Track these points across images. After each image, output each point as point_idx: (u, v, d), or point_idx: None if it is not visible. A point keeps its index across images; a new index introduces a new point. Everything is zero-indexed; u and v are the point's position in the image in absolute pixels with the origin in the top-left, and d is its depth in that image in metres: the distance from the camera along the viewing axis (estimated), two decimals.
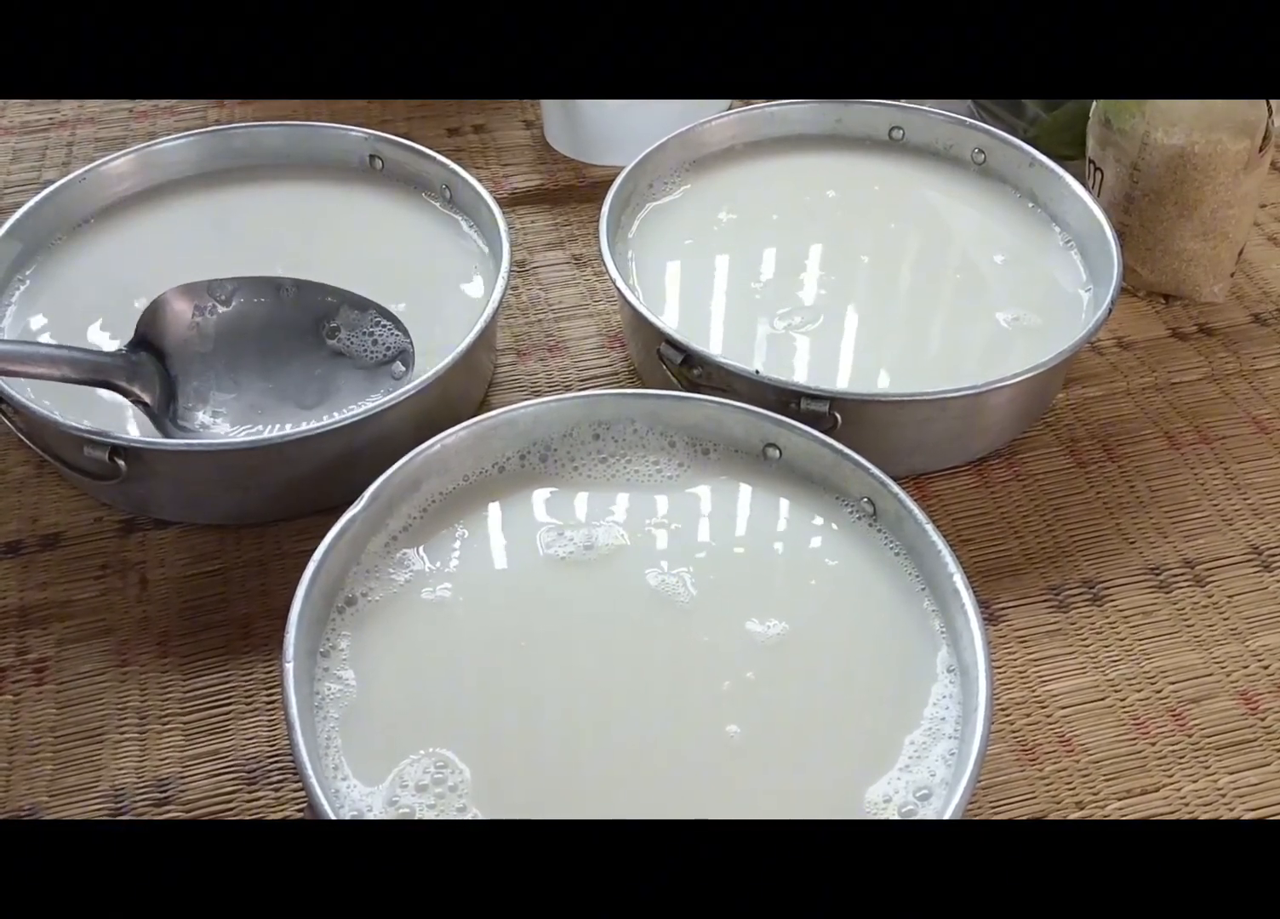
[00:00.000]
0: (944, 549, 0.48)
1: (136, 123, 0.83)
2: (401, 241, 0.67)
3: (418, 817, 0.43)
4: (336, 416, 0.54)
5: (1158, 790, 0.49)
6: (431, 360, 0.59)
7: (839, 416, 0.55)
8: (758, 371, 0.56)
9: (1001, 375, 0.56)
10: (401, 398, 0.55)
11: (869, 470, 0.51)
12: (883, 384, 0.59)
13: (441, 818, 0.43)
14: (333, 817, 0.40)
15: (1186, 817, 0.48)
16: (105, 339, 0.61)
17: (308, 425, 0.55)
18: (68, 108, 0.84)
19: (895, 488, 0.50)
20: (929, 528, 0.49)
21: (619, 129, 0.77)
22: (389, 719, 0.46)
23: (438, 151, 0.69)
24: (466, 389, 0.63)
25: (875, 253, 0.67)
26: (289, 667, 0.44)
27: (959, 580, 0.47)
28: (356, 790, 0.44)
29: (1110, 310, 0.58)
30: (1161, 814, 0.48)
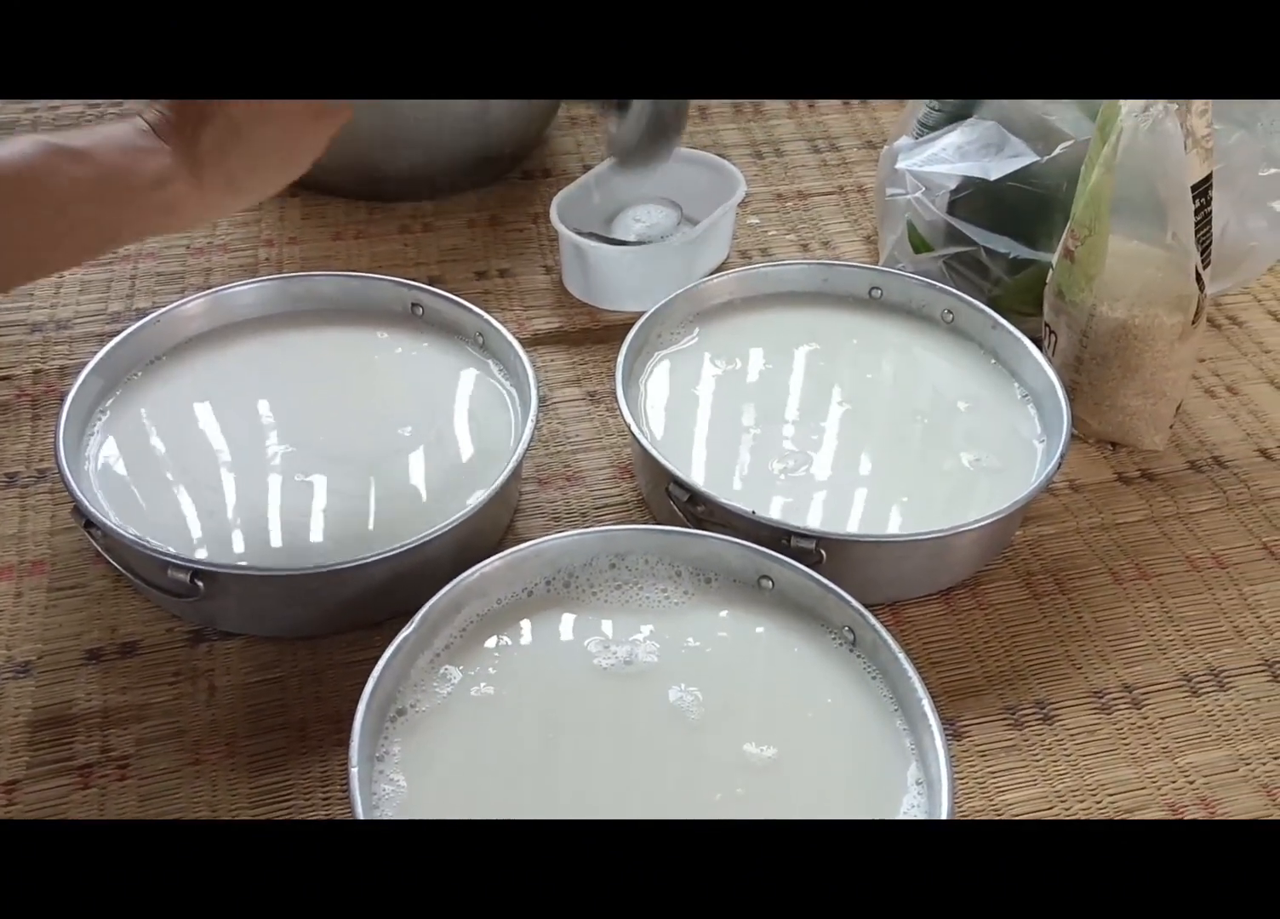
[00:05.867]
0: (913, 675, 0.56)
1: (193, 258, 0.91)
2: (439, 380, 0.76)
3: None
4: (391, 547, 0.62)
5: None
6: (468, 489, 0.67)
7: (824, 553, 0.63)
8: (754, 512, 0.64)
9: (966, 514, 0.65)
10: (446, 530, 0.63)
11: (850, 603, 0.60)
12: (864, 521, 0.68)
13: None
14: None
15: None
16: (187, 464, 0.69)
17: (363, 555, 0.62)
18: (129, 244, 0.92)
19: (873, 620, 0.59)
20: (901, 656, 0.57)
21: (628, 279, 0.87)
22: (435, 814, 0.53)
23: (468, 294, 0.78)
24: (498, 516, 0.71)
25: (856, 399, 0.76)
26: (354, 771, 0.51)
27: (926, 704, 0.55)
28: None
29: (1060, 464, 0.67)
30: None
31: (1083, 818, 0.59)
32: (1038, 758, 0.61)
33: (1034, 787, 0.60)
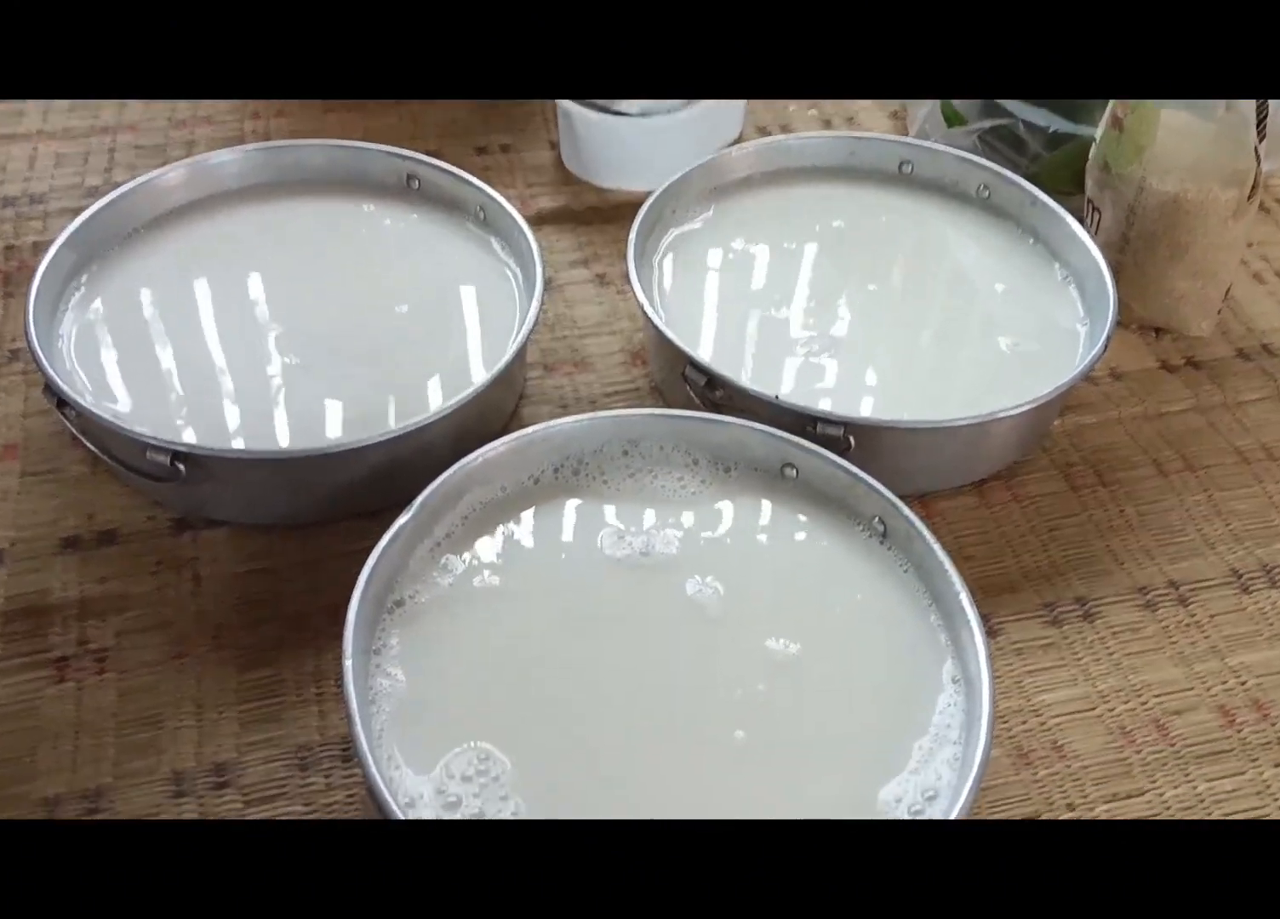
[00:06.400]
0: (950, 568, 0.52)
1: (175, 130, 0.86)
2: (438, 256, 0.71)
3: (464, 805, 0.47)
4: (390, 429, 0.57)
5: (1142, 795, 0.53)
6: (469, 373, 0.63)
7: (853, 440, 0.59)
8: (777, 397, 0.60)
9: (1000, 401, 0.60)
10: (445, 413, 0.58)
11: (881, 492, 0.55)
12: (893, 407, 0.63)
13: (485, 806, 0.47)
14: (391, 802, 0.44)
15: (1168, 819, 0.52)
16: (163, 342, 0.64)
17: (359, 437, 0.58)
18: (108, 114, 0.87)
19: (906, 509, 0.54)
20: (936, 548, 0.53)
21: (627, 153, 0.81)
22: (435, 713, 0.50)
23: (468, 170, 0.73)
24: (501, 402, 0.66)
25: (885, 280, 0.71)
26: (348, 664, 0.48)
27: (964, 598, 0.51)
28: (409, 779, 0.47)
29: (1105, 348, 0.62)
30: (1144, 815, 0.52)
31: (1126, 718, 0.55)
32: (1079, 656, 0.58)
33: (1074, 686, 0.56)
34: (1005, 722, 0.55)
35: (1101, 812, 0.52)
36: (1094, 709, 0.56)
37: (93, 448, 0.60)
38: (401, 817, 0.44)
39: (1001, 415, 0.60)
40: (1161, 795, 0.53)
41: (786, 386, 0.63)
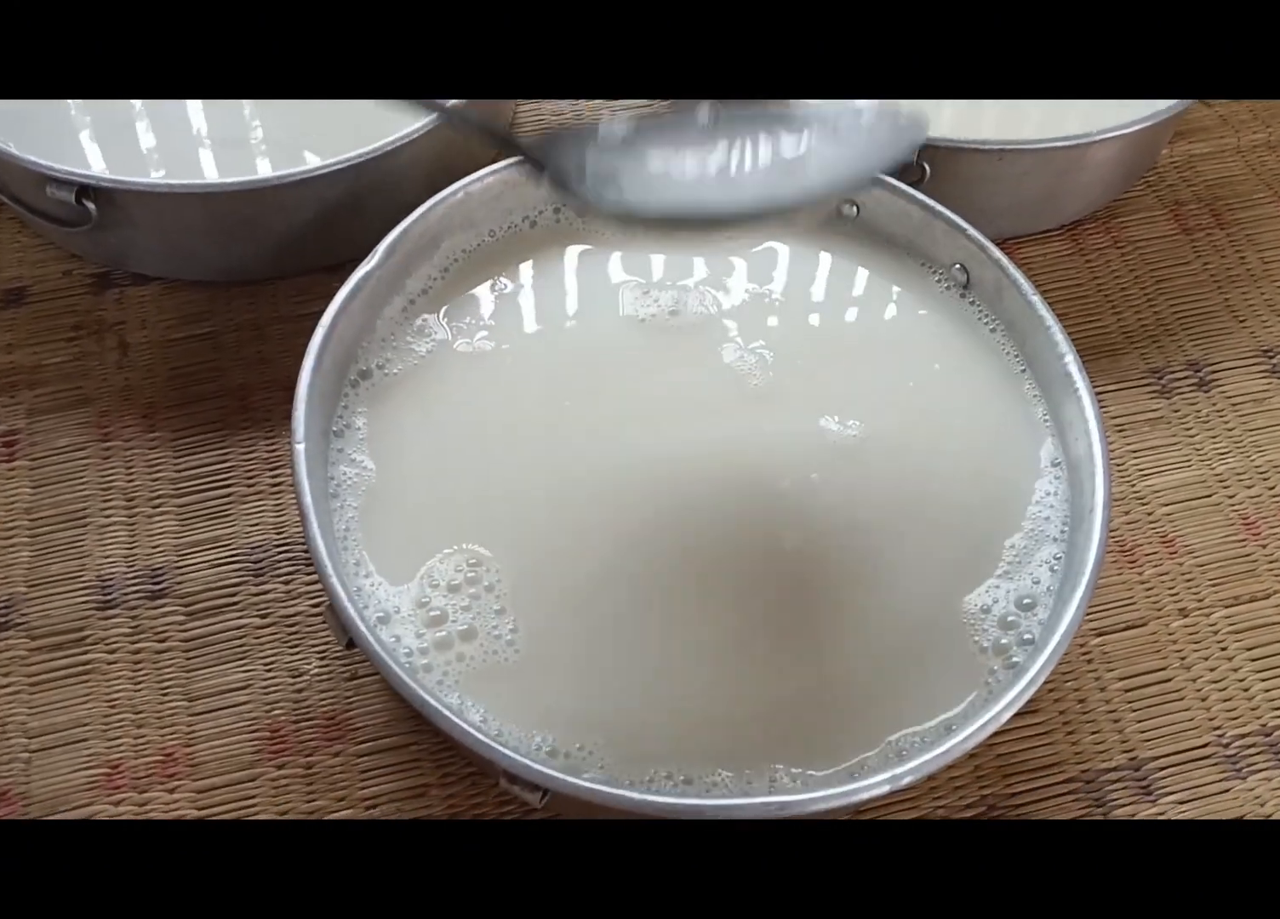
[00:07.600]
0: (1054, 326, 0.42)
1: None
2: None
3: (450, 619, 0.38)
4: (347, 156, 0.46)
5: (1268, 598, 0.44)
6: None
7: (928, 167, 0.47)
8: None
9: (1101, 119, 0.48)
10: (413, 136, 0.47)
11: (965, 232, 0.44)
12: (969, 126, 0.51)
13: (476, 622, 0.38)
14: (356, 619, 0.35)
15: None
16: None
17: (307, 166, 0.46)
18: None
19: (997, 252, 0.44)
20: (1036, 300, 0.43)
21: None
22: (414, 509, 0.41)
23: None
24: (490, 127, 0.54)
25: None
26: (300, 449, 0.38)
27: (1071, 363, 0.41)
28: (382, 589, 0.38)
29: None
30: (1271, 622, 0.43)
31: (1249, 507, 0.46)
32: (1191, 433, 0.48)
33: (1188, 468, 0.47)
34: None
35: (1220, 617, 0.44)
36: (1211, 496, 0.46)
37: None
38: (369, 635, 0.35)
39: (1108, 135, 0.48)
40: None
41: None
